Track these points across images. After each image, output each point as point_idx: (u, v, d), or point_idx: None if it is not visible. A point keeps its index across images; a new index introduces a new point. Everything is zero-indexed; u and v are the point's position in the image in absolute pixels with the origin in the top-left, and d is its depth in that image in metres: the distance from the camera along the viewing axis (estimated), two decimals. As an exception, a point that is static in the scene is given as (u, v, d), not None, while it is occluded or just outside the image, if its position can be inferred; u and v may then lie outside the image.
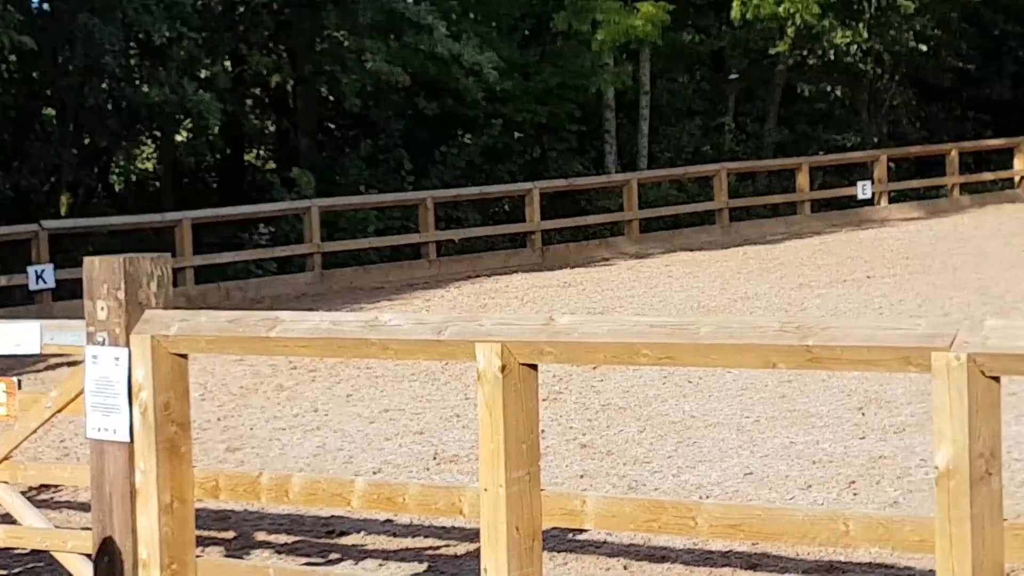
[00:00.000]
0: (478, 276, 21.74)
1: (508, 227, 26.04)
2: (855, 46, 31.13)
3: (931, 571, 5.00)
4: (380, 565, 7.05)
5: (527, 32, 30.75)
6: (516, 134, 29.95)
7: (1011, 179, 31.88)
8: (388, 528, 7.64)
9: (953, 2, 32.74)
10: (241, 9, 27.34)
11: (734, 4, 27.88)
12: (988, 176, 32.27)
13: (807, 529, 4.83)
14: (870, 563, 6.52)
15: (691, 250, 24.29)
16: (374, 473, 8.99)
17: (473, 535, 6.36)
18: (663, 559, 6.88)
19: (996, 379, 4.56)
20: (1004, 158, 32.80)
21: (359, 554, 7.27)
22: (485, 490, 4.63)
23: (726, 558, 6.80)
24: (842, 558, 6.64)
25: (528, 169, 29.31)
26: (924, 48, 31.88)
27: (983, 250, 20.93)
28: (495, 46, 27.10)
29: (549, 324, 4.75)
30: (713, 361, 4.89)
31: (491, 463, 4.62)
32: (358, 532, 7.62)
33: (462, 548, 7.18)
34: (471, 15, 28.94)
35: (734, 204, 27.64)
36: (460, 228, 25.71)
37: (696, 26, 31.13)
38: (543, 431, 8.02)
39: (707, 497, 7.89)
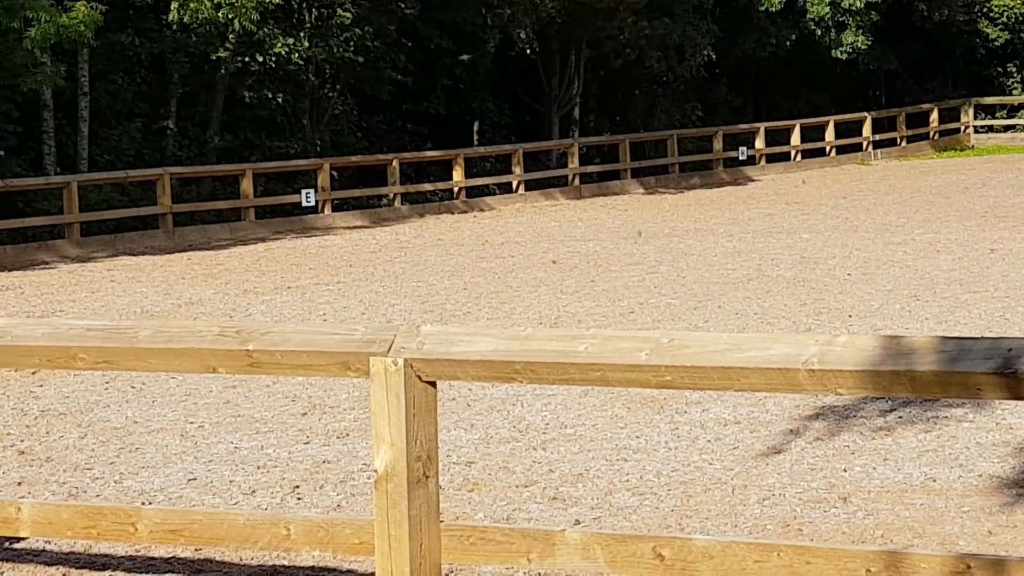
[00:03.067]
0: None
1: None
2: (296, 54, 31.40)
3: (372, 573, 5.09)
4: None
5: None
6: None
7: (450, 190, 33.05)
8: None
9: (391, 15, 33.56)
10: None
11: (172, 7, 27.52)
12: (428, 187, 33.30)
13: (249, 533, 4.83)
14: (313, 567, 6.58)
15: (135, 255, 23.91)
16: None
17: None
18: (104, 567, 6.71)
19: (433, 384, 4.69)
20: (443, 170, 33.96)
21: None
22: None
23: (169, 564, 6.70)
24: (285, 562, 6.67)
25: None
26: (363, 59, 32.52)
27: (424, 259, 21.56)
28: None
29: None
30: (153, 366, 4.82)
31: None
32: None
33: None
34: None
35: (178, 209, 27.38)
36: None
37: (136, 28, 30.58)
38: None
39: (149, 503, 7.77)
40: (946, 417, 9.20)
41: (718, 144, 39.15)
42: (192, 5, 27.12)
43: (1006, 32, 49.98)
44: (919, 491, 7.59)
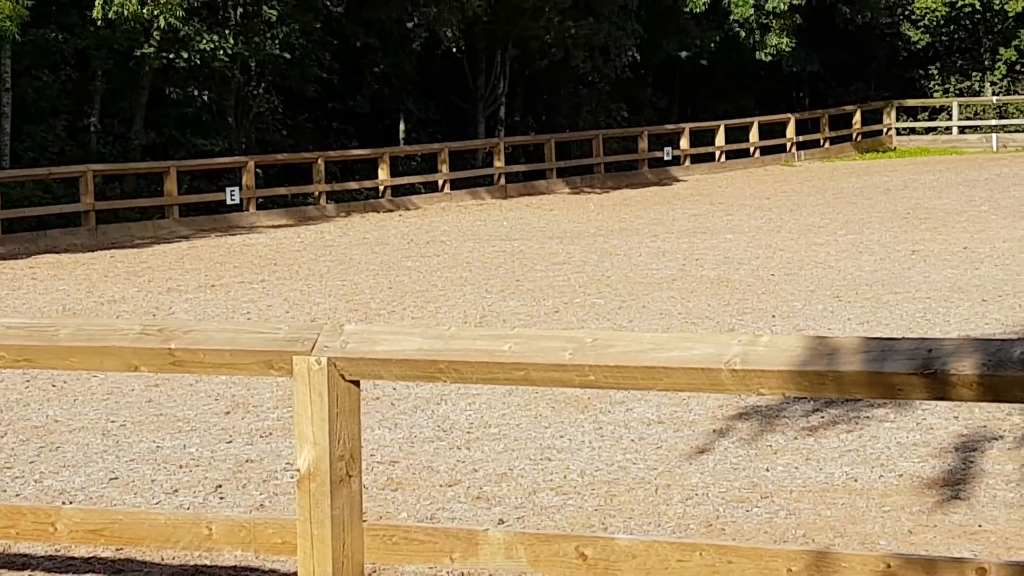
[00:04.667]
0: None
1: None
2: (222, 51, 31.22)
3: (295, 573, 5.07)
4: None
5: None
6: None
7: (376, 189, 32.98)
8: None
9: (316, 12, 33.44)
10: None
11: (96, 3, 27.28)
12: (353, 185, 33.21)
13: (170, 533, 4.80)
14: (235, 566, 6.55)
15: (57, 252, 23.69)
16: None
17: None
18: (24, 567, 6.64)
19: (356, 383, 4.68)
20: (368, 168, 33.89)
21: None
22: None
23: (89, 564, 6.65)
24: (207, 562, 6.63)
25: None
26: (288, 56, 32.39)
27: (349, 257, 21.51)
28: None
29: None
30: (73, 364, 4.78)
31: None
32: None
33: None
34: None
35: (101, 206, 27.16)
36: None
37: (60, 24, 30.30)
38: None
39: (70, 503, 7.71)
40: (868, 417, 9.28)
41: (643, 144, 39.30)
42: (117, 1, 26.90)
43: (927, 35, 50.54)
44: (841, 491, 7.65)
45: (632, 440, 8.98)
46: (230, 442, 9.33)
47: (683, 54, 43.69)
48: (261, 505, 7.79)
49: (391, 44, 36.52)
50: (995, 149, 44.99)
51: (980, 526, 6.95)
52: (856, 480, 7.85)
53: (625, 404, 9.95)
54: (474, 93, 39.64)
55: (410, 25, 35.70)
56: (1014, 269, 16.89)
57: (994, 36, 50.31)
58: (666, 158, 39.75)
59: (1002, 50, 50.06)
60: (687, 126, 41.56)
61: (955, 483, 7.74)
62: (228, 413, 10.23)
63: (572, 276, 17.87)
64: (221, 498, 7.96)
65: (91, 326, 4.78)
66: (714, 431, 9.11)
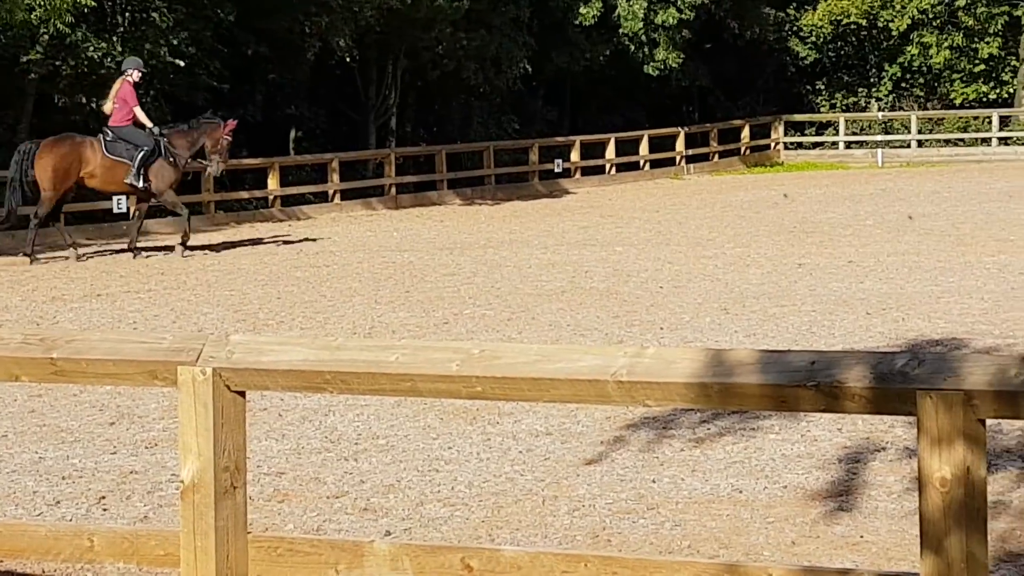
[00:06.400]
0: None
1: None
2: (110, 58, 30.86)
3: (177, 584, 5.02)
4: None
5: None
6: None
7: (266, 198, 32.78)
8: None
9: (207, 21, 33.19)
10: None
11: (-19, 9, 26.88)
12: (244, 195, 33.02)
13: (51, 545, 4.73)
14: (118, 579, 6.47)
15: (-62, 261, 23.30)
16: None
17: None
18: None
19: (242, 394, 4.65)
20: (259, 177, 33.71)
21: None
22: None
23: (-32, 580, 6.54)
24: (90, 574, 6.55)
25: None
26: (180, 63, 32.10)
27: (238, 267, 21.35)
28: None
29: None
30: (-47, 376, 4.70)
31: None
32: None
33: None
34: None
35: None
36: None
37: (-56, 29, 29.85)
38: None
39: (-51, 518, 7.57)
40: (754, 429, 9.37)
41: (534, 156, 39.43)
42: (6, 5, 26.51)
43: (815, 51, 51.22)
44: (726, 502, 7.71)
45: (520, 452, 8.99)
46: (114, 453, 9.23)
47: (574, 67, 43.86)
48: (145, 517, 7.71)
49: (284, 53, 36.32)
50: (880, 164, 45.67)
51: (862, 537, 7.03)
52: (741, 492, 7.91)
53: (513, 416, 9.96)
54: (365, 103, 39.53)
55: (303, 34, 35.52)
56: (898, 283, 17.13)
57: (880, 53, 51.08)
58: (557, 170, 39.89)
59: (887, 66, 50.83)
60: (578, 139, 41.75)
61: (838, 495, 7.83)
62: (113, 424, 10.12)
63: (462, 287, 17.87)
64: (104, 510, 7.86)
65: (-29, 335, 4.71)
66: (602, 442, 9.15)
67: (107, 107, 23.41)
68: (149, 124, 23.15)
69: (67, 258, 22.84)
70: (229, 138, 23.53)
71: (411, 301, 16.68)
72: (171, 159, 23.10)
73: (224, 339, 4.59)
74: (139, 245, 23.73)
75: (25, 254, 22.72)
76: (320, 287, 18.36)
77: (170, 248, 24.19)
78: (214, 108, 34.66)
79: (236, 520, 4.60)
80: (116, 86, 23.43)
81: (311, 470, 8.66)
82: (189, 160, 23.51)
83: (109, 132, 23.00)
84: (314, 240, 25.94)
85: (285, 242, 25.71)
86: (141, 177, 22.78)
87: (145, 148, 22.79)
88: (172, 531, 4.65)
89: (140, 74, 23.61)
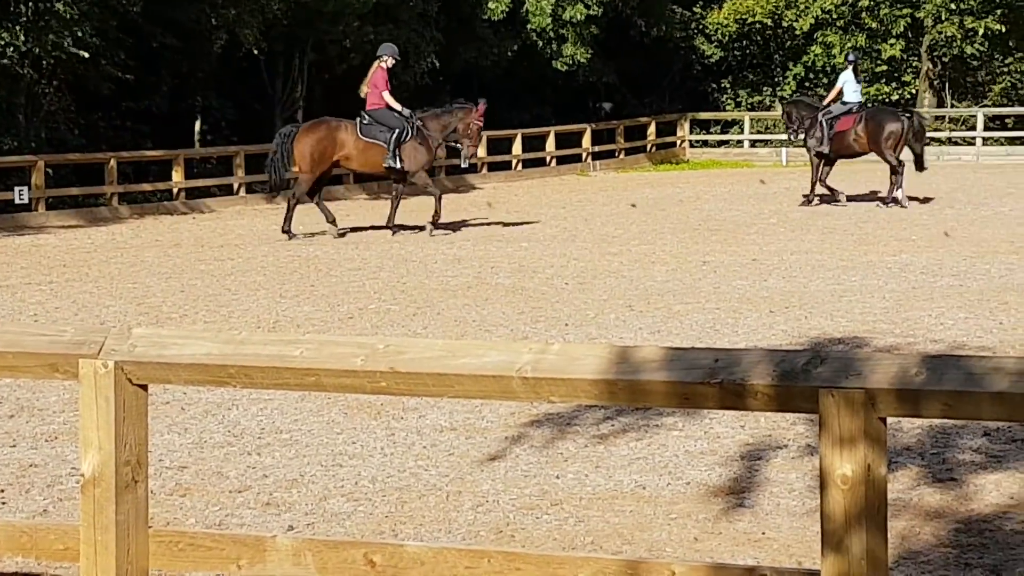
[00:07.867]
0: None
1: None
2: (12, 48, 30.48)
3: (76, 580, 4.97)
4: None
5: None
6: None
7: (170, 191, 32.49)
8: None
9: (112, 11, 32.85)
10: None
11: None
12: (147, 187, 32.71)
13: (-52, 542, 4.66)
14: (15, 573, 6.38)
15: None
16: None
17: None
18: None
19: (144, 387, 4.61)
20: (163, 170, 33.40)
21: None
22: None
23: None
24: (-13, 570, 6.47)
25: None
26: (85, 55, 31.76)
27: (141, 260, 21.15)
28: None
29: None
30: None
31: None
32: None
33: None
34: None
35: None
36: None
37: None
38: None
39: None
40: (658, 426, 9.42)
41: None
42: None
43: (720, 49, 51.57)
44: (629, 498, 7.75)
45: (424, 447, 8.99)
46: (14, 446, 9.12)
47: (481, 62, 43.84)
48: (45, 511, 7.62)
49: (190, 45, 36.04)
50: (784, 163, 46.01)
51: (764, 534, 7.09)
52: (644, 488, 7.96)
53: (418, 411, 9.95)
54: (272, 96, 39.31)
55: (210, 25, 35.25)
56: (800, 281, 17.29)
57: (784, 52, 51.51)
58: (463, 165, 39.82)
59: (792, 66, 51.25)
60: (485, 134, 41.60)
61: (741, 491, 7.89)
62: (12, 417, 9.99)
63: (367, 282, 17.82)
64: (3, 503, 7.77)
65: None
66: (506, 438, 9.16)
67: (362, 91, 24.55)
68: (398, 108, 24.10)
69: (325, 233, 24.29)
70: (480, 122, 24.37)
71: (316, 295, 16.61)
72: (423, 141, 23.96)
73: (126, 332, 4.55)
74: (396, 223, 24.67)
75: (284, 231, 24.10)
76: (224, 280, 18.23)
77: (420, 227, 24.99)
78: (118, 98, 34.38)
79: (137, 514, 4.56)
80: (372, 71, 24.55)
81: (213, 464, 8.61)
82: (442, 142, 24.57)
83: (365, 116, 24.18)
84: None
85: (189, 234, 25.47)
86: (397, 159, 23.69)
87: (397, 130, 23.75)
88: (72, 525, 4.61)
89: (394, 60, 24.74)
